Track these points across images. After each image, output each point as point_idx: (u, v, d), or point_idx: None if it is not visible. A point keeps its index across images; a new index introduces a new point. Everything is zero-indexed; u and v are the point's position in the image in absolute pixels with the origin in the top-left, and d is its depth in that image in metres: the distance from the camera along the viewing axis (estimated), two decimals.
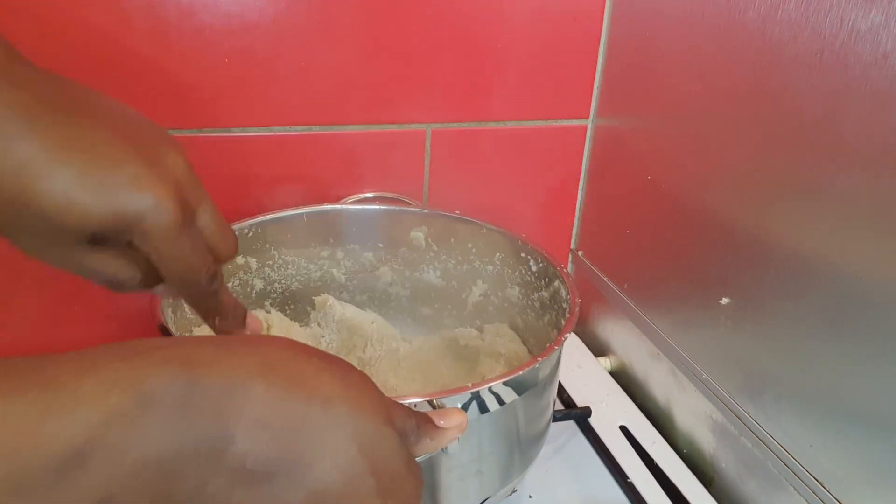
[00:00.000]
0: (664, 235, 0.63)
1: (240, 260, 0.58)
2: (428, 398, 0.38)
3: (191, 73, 0.60)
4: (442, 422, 0.32)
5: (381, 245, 0.64)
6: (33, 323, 0.65)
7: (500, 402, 0.42)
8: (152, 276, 0.33)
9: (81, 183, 0.29)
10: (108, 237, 0.31)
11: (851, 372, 0.44)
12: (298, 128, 0.65)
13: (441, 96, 0.68)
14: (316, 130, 0.66)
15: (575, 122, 0.73)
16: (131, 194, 0.30)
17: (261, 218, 0.58)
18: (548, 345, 0.45)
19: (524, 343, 0.61)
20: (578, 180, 0.76)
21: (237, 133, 0.63)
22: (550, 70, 0.69)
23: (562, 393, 0.67)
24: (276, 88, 0.63)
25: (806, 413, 0.48)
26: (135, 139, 0.31)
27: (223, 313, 0.37)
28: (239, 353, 0.26)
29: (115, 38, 0.57)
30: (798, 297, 0.48)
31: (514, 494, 0.55)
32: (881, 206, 0.41)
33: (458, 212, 0.62)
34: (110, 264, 0.33)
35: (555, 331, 0.55)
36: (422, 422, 0.32)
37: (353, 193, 0.67)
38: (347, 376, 0.28)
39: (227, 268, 0.57)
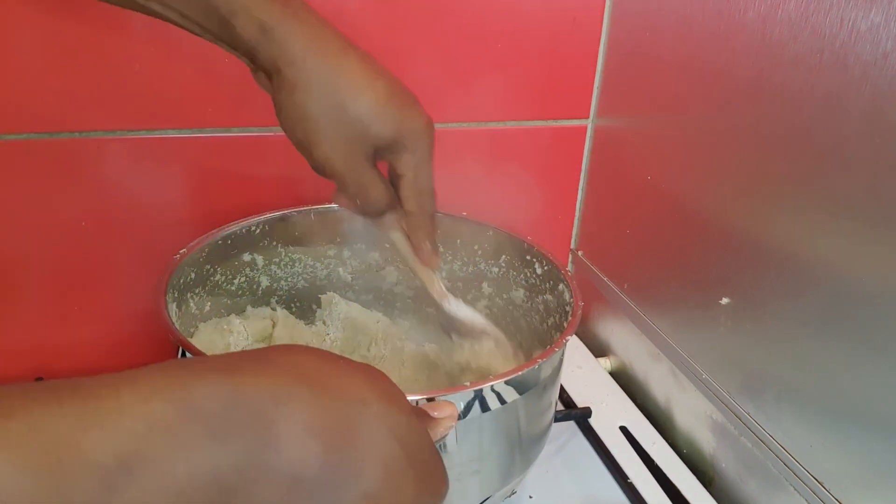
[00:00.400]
0: (664, 235, 0.63)
1: (246, 257, 0.58)
2: (427, 395, 0.38)
3: (191, 73, 0.60)
4: (435, 413, 0.33)
5: (387, 245, 0.64)
6: (33, 323, 0.65)
7: (502, 401, 0.42)
8: (392, 201, 0.47)
9: (388, 103, 0.42)
10: (388, 150, 0.44)
11: (851, 372, 0.44)
12: None
13: (440, 96, 0.67)
14: None
15: (575, 122, 0.73)
16: (414, 117, 0.44)
17: (268, 215, 0.58)
18: (548, 347, 0.45)
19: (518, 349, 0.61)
20: (578, 180, 0.76)
21: (236, 133, 0.63)
22: (550, 70, 0.69)
23: (562, 393, 0.67)
24: None
25: (806, 413, 0.48)
26: (410, 92, 0.45)
27: (431, 240, 0.50)
28: (277, 363, 0.26)
29: (113, 37, 0.57)
30: (798, 297, 0.48)
31: (514, 495, 0.55)
32: (881, 206, 0.41)
33: (464, 214, 0.62)
34: (378, 187, 0.45)
35: (558, 334, 0.55)
36: (420, 414, 0.32)
37: None
38: (373, 376, 0.29)
39: (234, 264, 0.57)
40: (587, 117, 0.73)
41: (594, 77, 0.71)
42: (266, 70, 0.42)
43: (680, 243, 0.61)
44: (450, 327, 0.53)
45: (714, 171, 0.56)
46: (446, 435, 0.33)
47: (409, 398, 0.36)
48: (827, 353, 0.46)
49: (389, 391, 0.28)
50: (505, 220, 0.60)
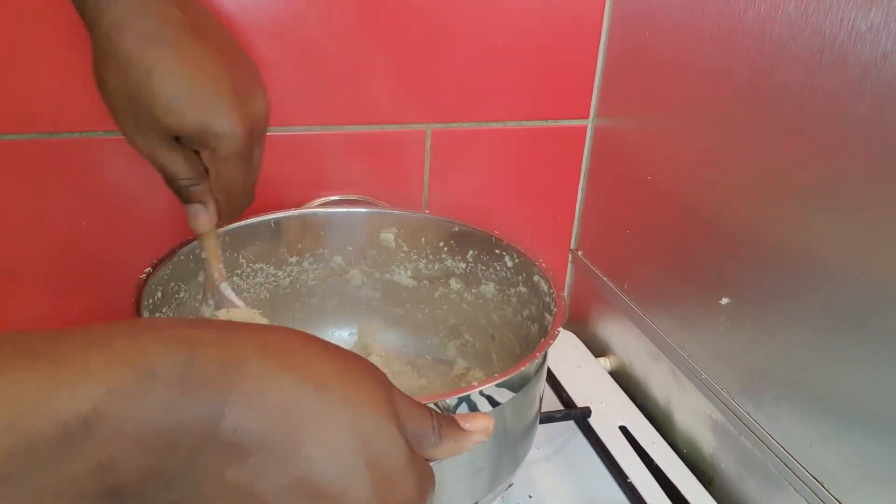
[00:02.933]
0: (664, 235, 0.63)
1: None
2: (436, 400, 0.38)
3: None
4: (467, 424, 0.32)
5: (350, 248, 0.63)
6: (33, 323, 0.65)
7: (493, 403, 0.42)
8: (199, 191, 0.45)
9: (187, 96, 0.40)
10: (187, 141, 0.42)
11: (851, 372, 0.44)
12: (298, 128, 0.65)
13: (441, 96, 0.68)
14: (315, 130, 0.66)
15: (575, 122, 0.73)
16: (218, 117, 0.41)
17: (227, 227, 0.56)
18: (542, 341, 0.45)
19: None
20: (578, 180, 0.76)
21: None
22: (550, 70, 0.69)
23: (562, 393, 0.67)
24: (276, 88, 0.63)
25: (806, 413, 0.48)
26: (237, 75, 0.42)
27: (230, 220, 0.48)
28: (239, 335, 0.26)
29: None
30: (798, 297, 0.48)
31: (513, 495, 0.55)
32: (881, 206, 0.41)
33: (427, 211, 0.61)
34: (176, 162, 0.43)
35: (535, 325, 0.55)
36: (445, 423, 0.31)
37: (331, 195, 0.67)
38: (350, 366, 0.28)
39: (198, 281, 0.56)
40: (587, 117, 0.73)
41: (594, 77, 0.71)
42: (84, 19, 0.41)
43: (680, 243, 0.61)
44: (216, 303, 0.52)
45: (714, 171, 0.56)
46: (473, 447, 0.32)
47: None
48: (827, 353, 0.46)
49: (363, 387, 0.27)
50: (504, 220, 0.61)
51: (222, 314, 0.50)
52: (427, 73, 0.66)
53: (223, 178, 0.44)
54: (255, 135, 0.43)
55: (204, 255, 0.50)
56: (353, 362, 0.28)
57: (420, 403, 0.31)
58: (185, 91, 0.40)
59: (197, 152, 0.43)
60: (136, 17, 0.39)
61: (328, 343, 0.29)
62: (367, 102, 0.66)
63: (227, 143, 0.42)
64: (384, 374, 0.30)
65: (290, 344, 0.27)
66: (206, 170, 0.44)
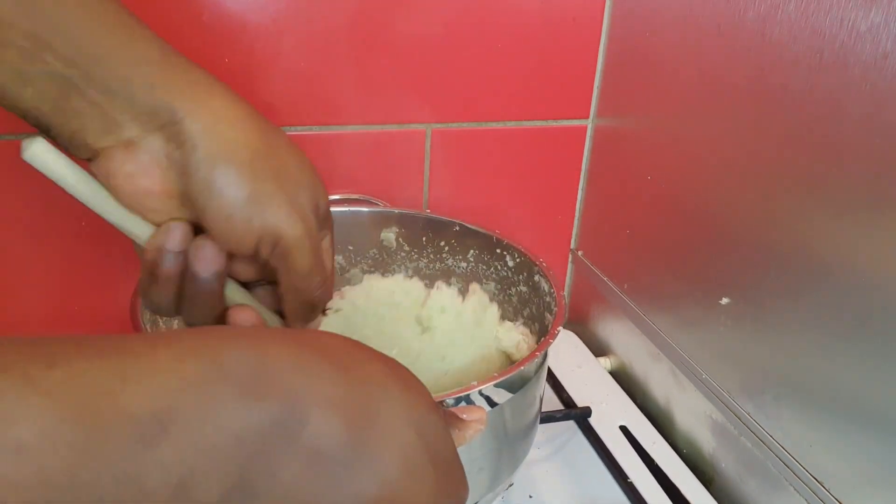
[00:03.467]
0: (664, 235, 0.63)
1: None
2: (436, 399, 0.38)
3: None
4: (465, 415, 0.33)
5: (351, 247, 0.64)
6: (33, 323, 0.65)
7: (492, 403, 0.42)
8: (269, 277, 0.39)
9: (242, 221, 0.34)
10: (253, 259, 0.37)
11: (852, 372, 0.44)
12: (297, 128, 0.65)
13: (441, 96, 0.68)
14: (315, 130, 0.66)
15: (575, 122, 0.73)
16: (274, 229, 0.35)
17: None
18: (542, 340, 0.45)
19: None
20: (578, 180, 0.76)
21: None
22: (550, 70, 0.69)
23: (562, 393, 0.67)
24: (275, 88, 0.63)
25: (806, 413, 0.48)
26: (297, 194, 0.37)
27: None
28: (301, 340, 0.26)
29: None
30: (798, 297, 0.48)
31: (513, 495, 0.55)
32: (881, 206, 0.41)
33: (428, 211, 0.61)
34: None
35: (536, 324, 0.55)
36: (448, 416, 0.32)
37: (347, 193, 0.67)
38: (397, 368, 0.28)
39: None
40: (587, 117, 0.73)
41: (594, 77, 0.71)
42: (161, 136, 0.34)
43: (680, 243, 0.61)
44: None
45: (714, 171, 0.56)
46: (473, 438, 0.33)
47: None
48: (827, 353, 0.46)
49: (412, 384, 0.28)
50: (504, 220, 0.61)
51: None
52: (427, 73, 0.66)
53: (296, 296, 0.38)
54: (315, 226, 0.38)
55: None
56: (397, 365, 0.29)
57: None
58: (229, 215, 0.34)
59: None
60: (225, 133, 0.35)
61: (369, 347, 0.29)
62: (367, 102, 0.66)
63: (293, 254, 0.36)
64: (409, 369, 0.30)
65: (341, 346, 0.27)
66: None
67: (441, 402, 0.38)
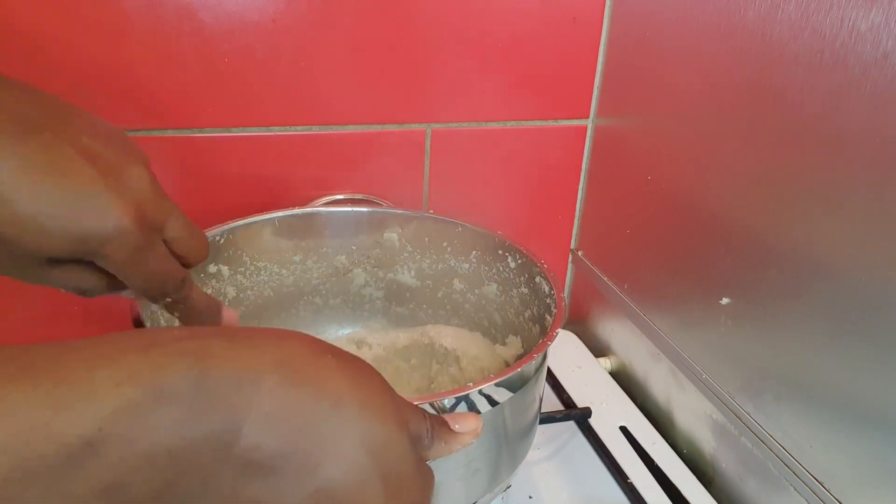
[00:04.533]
0: (664, 235, 0.63)
1: (212, 268, 0.57)
2: (431, 399, 0.38)
3: (191, 73, 0.60)
4: (457, 426, 0.32)
5: (353, 247, 0.63)
6: (33, 323, 0.65)
7: (492, 403, 0.42)
8: (118, 282, 0.35)
9: (44, 210, 0.30)
10: (74, 257, 0.32)
11: (851, 372, 0.44)
12: (297, 128, 0.65)
13: (441, 96, 0.68)
14: (315, 130, 0.66)
15: (575, 122, 0.73)
16: (93, 222, 0.31)
17: (232, 224, 0.57)
18: (540, 341, 0.45)
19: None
20: (578, 180, 0.76)
21: (236, 133, 0.63)
22: (550, 70, 0.69)
23: (562, 393, 0.67)
24: (275, 88, 0.63)
25: (806, 413, 0.48)
26: (99, 157, 0.32)
27: (197, 314, 0.40)
28: (254, 348, 0.26)
29: (114, 37, 0.57)
30: (798, 297, 0.48)
31: (513, 495, 0.55)
32: (881, 205, 0.41)
33: (431, 211, 0.61)
34: (74, 277, 0.34)
35: (536, 325, 0.55)
36: (436, 425, 0.31)
37: (337, 194, 0.67)
38: (361, 377, 0.28)
39: (200, 276, 0.56)
40: (587, 117, 0.73)
41: (594, 77, 0.71)
42: None
43: (680, 243, 0.61)
44: None
45: (714, 171, 0.56)
46: (461, 448, 0.32)
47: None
48: (827, 353, 0.46)
49: (374, 398, 0.27)
50: (505, 220, 0.60)
51: None
52: (427, 73, 0.66)
53: (132, 278, 0.34)
54: (148, 211, 0.33)
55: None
56: (361, 371, 0.28)
57: (415, 405, 0.31)
58: (37, 205, 0.30)
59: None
60: None
61: (334, 348, 0.29)
62: (367, 102, 0.66)
63: (116, 244, 0.32)
64: (383, 378, 0.30)
65: (303, 355, 0.27)
66: None
67: (433, 404, 0.38)
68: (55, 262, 0.33)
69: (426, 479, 0.29)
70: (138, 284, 0.35)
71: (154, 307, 0.46)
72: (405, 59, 0.65)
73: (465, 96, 0.68)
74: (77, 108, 0.34)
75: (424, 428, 0.30)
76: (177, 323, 0.42)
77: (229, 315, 0.43)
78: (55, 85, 0.57)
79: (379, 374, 0.30)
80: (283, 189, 0.66)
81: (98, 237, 0.31)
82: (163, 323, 0.50)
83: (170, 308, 0.39)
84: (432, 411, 0.37)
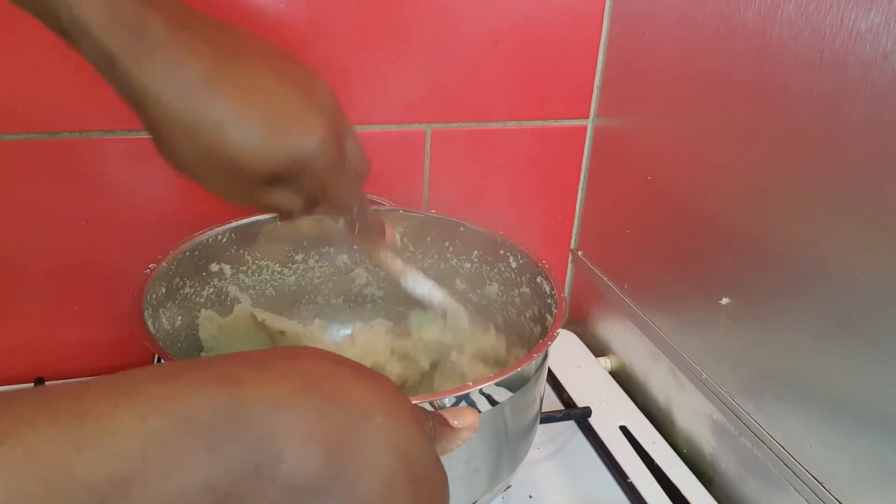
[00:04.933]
0: (664, 235, 0.63)
1: (214, 267, 0.57)
2: (431, 399, 0.38)
3: None
4: (456, 422, 0.33)
5: (355, 246, 0.63)
6: (34, 323, 0.65)
7: (492, 402, 0.42)
8: (314, 203, 0.41)
9: (264, 132, 0.35)
10: (285, 179, 0.37)
11: (851, 372, 0.44)
12: None
13: (441, 96, 0.68)
14: None
15: (575, 122, 0.73)
16: (301, 137, 0.36)
17: (234, 223, 0.57)
18: (541, 341, 0.45)
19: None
20: (578, 180, 0.76)
21: None
22: (550, 70, 0.69)
23: (562, 393, 0.67)
24: None
25: (806, 413, 0.48)
26: (293, 77, 0.38)
27: (369, 229, 0.45)
28: (279, 371, 0.25)
29: None
30: (798, 297, 0.48)
31: (513, 495, 0.55)
32: (881, 206, 0.41)
33: (433, 211, 0.61)
34: (282, 199, 0.39)
35: (537, 326, 0.55)
36: (438, 423, 0.32)
37: None
38: (380, 386, 0.28)
39: (202, 275, 0.56)
40: (587, 117, 0.73)
41: (594, 77, 0.71)
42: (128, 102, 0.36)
43: (680, 243, 0.61)
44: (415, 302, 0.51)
45: (714, 171, 0.56)
46: (463, 444, 0.33)
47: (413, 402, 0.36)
48: (827, 353, 0.46)
49: (396, 403, 0.28)
50: (505, 220, 0.60)
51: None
52: (427, 73, 0.66)
53: (336, 197, 0.40)
54: (337, 126, 0.39)
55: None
56: (377, 378, 0.29)
57: (417, 405, 0.31)
58: (262, 132, 0.35)
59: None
60: (175, 75, 0.34)
61: (350, 361, 0.29)
62: (367, 102, 0.66)
63: (321, 157, 0.37)
64: (393, 381, 0.30)
65: (324, 372, 0.27)
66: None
67: (433, 403, 0.38)
68: (268, 182, 0.37)
69: (444, 475, 0.30)
70: (334, 197, 0.40)
71: (154, 326, 0.47)
72: (405, 59, 0.65)
73: (465, 96, 0.68)
74: (254, 34, 0.39)
75: (429, 427, 0.31)
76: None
77: (390, 233, 0.49)
78: (54, 83, 0.57)
79: (389, 379, 0.30)
80: None
81: (307, 152, 0.36)
82: (164, 320, 0.50)
83: (350, 225, 0.44)
84: (441, 407, 0.37)
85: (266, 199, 0.39)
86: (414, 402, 0.31)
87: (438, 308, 0.52)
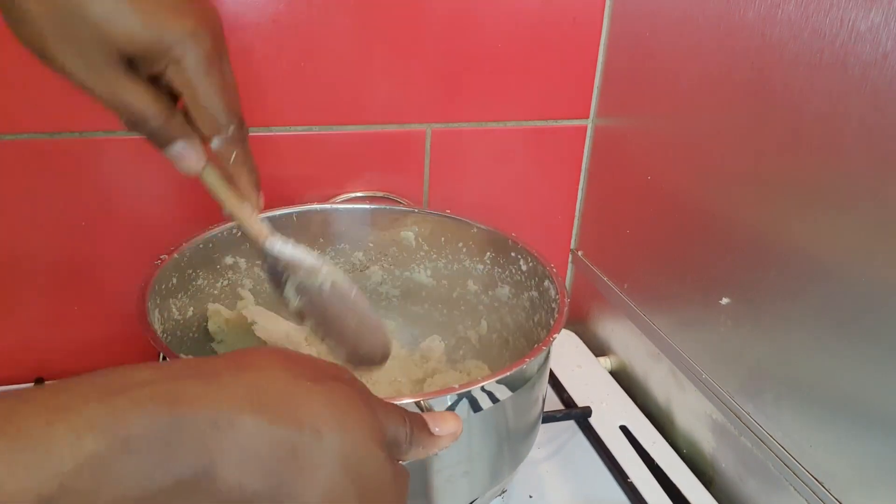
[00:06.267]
0: (664, 235, 0.63)
1: (229, 260, 0.58)
2: (416, 399, 0.38)
3: None
4: (437, 429, 0.32)
5: (371, 244, 0.64)
6: (34, 323, 0.65)
7: (494, 399, 0.42)
8: (176, 125, 0.36)
9: (130, 3, 0.32)
10: (145, 61, 0.34)
11: (851, 372, 0.44)
12: (298, 128, 0.65)
13: (441, 96, 0.68)
14: (315, 130, 0.66)
15: (575, 122, 0.73)
16: (173, 20, 0.33)
17: None
18: (536, 345, 0.45)
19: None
20: (578, 180, 0.76)
21: None
22: (550, 70, 0.69)
23: (562, 393, 0.67)
24: (276, 88, 0.63)
25: (806, 413, 0.48)
26: None
27: (244, 165, 0.40)
28: (226, 383, 0.25)
29: None
30: (798, 297, 0.48)
31: (513, 495, 0.55)
32: (881, 205, 0.41)
33: (448, 211, 0.61)
34: (140, 95, 0.35)
35: (544, 331, 0.55)
36: (416, 428, 0.31)
37: (350, 192, 0.67)
38: (337, 396, 0.27)
39: (216, 269, 0.56)
40: (587, 117, 0.73)
41: (594, 77, 0.71)
42: None
43: (680, 243, 0.61)
44: (275, 274, 0.43)
45: (714, 171, 0.56)
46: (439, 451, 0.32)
47: (401, 402, 0.36)
48: (827, 353, 0.46)
49: (349, 417, 0.27)
50: (505, 220, 0.60)
51: (293, 287, 0.43)
52: (427, 73, 0.66)
53: (202, 96, 0.36)
54: (218, 37, 0.36)
55: (226, 211, 0.41)
56: (336, 388, 0.28)
57: (396, 407, 0.31)
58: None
59: (158, 81, 0.35)
60: None
61: (312, 365, 0.28)
62: (367, 102, 0.66)
63: (194, 46, 0.34)
64: (361, 383, 0.30)
65: (276, 385, 0.26)
66: (175, 99, 0.36)
67: (419, 404, 0.38)
68: (128, 65, 0.34)
69: (401, 485, 0.29)
70: (204, 102, 0.36)
71: (159, 314, 0.46)
72: (405, 59, 0.65)
73: (465, 96, 0.68)
74: None
75: (404, 432, 0.30)
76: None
77: (263, 200, 0.42)
78: (54, 83, 0.57)
79: (355, 383, 0.29)
80: (284, 188, 0.66)
81: (175, 35, 0.33)
82: (174, 311, 0.49)
83: (226, 151, 0.39)
84: (416, 410, 0.36)
85: (122, 90, 0.34)
86: (396, 403, 0.31)
87: (312, 270, 0.43)
